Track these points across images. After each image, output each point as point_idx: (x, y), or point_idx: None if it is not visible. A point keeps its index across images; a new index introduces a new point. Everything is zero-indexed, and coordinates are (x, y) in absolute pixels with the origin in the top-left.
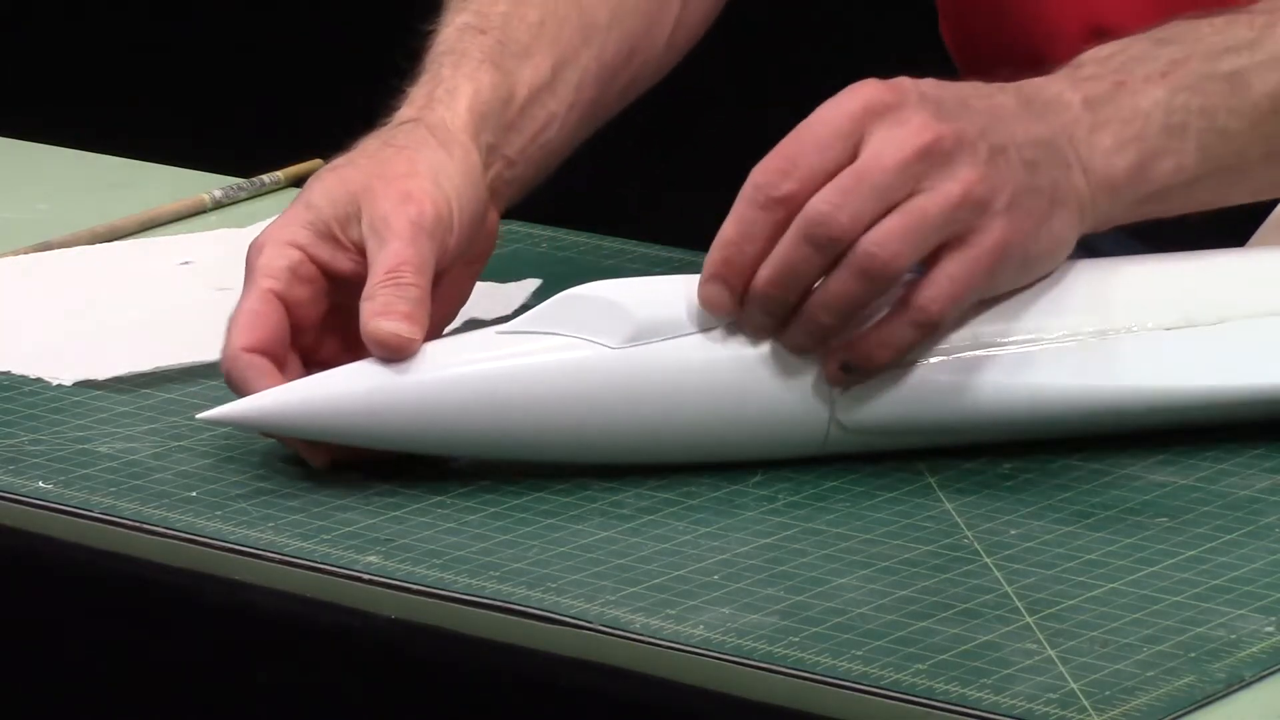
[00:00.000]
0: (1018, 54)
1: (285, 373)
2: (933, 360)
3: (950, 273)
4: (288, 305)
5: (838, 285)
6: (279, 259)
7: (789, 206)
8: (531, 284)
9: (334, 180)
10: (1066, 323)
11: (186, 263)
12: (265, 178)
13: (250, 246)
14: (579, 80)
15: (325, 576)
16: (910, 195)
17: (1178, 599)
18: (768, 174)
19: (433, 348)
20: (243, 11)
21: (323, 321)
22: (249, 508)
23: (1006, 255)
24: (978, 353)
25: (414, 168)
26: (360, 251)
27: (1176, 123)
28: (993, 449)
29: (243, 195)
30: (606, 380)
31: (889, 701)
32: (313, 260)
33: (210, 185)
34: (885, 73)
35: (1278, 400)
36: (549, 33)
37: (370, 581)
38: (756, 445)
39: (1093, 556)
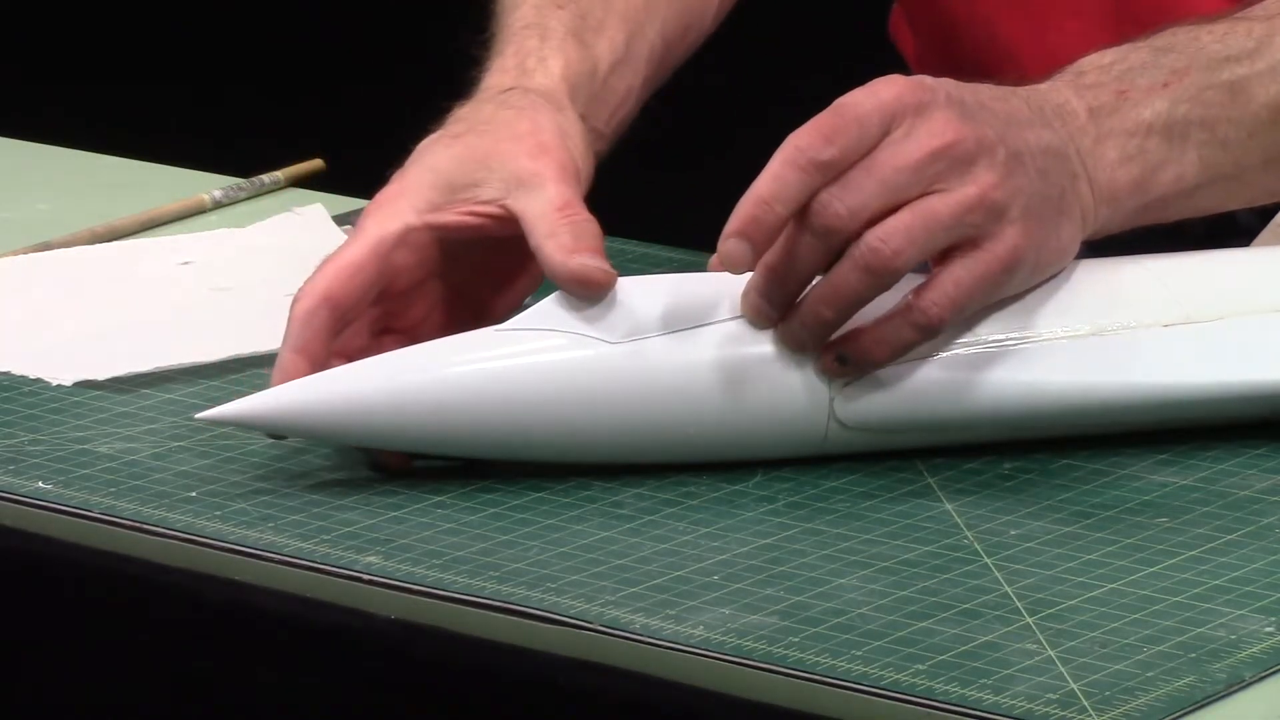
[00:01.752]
0: (971, 72)
1: (346, 331)
2: (932, 357)
3: (956, 276)
4: (387, 269)
5: (839, 278)
6: (393, 222)
7: (827, 173)
8: None
9: (460, 148)
10: (1066, 320)
11: (186, 263)
12: (265, 178)
13: (369, 205)
14: (648, 55)
15: (325, 576)
16: (924, 195)
17: (1178, 599)
18: (811, 137)
19: (432, 347)
20: (243, 12)
21: (415, 290)
22: (249, 508)
23: (1017, 264)
24: (977, 350)
25: (538, 126)
26: (487, 216)
27: (1178, 134)
28: (993, 449)
29: (243, 195)
30: (607, 376)
31: (889, 701)
32: (430, 227)
33: (210, 185)
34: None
35: (1276, 396)
36: (618, 8)
37: (370, 581)
38: (756, 440)
39: (1093, 556)
